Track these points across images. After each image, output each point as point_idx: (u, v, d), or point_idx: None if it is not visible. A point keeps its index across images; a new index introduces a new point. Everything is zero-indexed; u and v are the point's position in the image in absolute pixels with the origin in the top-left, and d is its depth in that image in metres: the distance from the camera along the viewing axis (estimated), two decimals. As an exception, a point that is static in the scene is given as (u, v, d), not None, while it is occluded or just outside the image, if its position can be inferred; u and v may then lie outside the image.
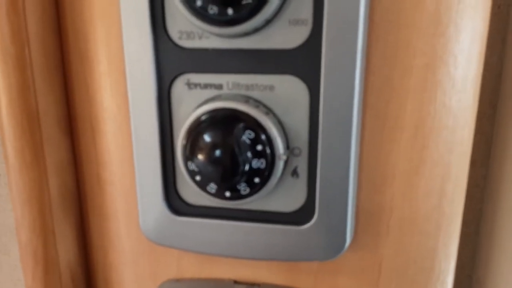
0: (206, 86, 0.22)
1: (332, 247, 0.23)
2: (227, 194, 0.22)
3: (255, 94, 0.22)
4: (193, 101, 0.23)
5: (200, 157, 0.21)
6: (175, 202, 0.25)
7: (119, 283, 0.29)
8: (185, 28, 0.22)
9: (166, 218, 0.25)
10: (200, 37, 0.22)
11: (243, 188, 0.22)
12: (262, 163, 0.21)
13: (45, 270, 0.27)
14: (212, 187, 0.22)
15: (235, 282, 0.27)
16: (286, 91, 0.22)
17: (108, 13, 0.24)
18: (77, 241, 0.29)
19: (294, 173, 0.23)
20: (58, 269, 0.28)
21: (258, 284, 0.26)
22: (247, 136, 0.21)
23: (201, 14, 0.20)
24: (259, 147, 0.21)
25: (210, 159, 0.21)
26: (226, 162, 0.21)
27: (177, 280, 0.28)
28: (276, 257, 0.24)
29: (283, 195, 0.23)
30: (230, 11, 0.19)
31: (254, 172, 0.21)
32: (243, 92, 0.22)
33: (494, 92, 0.34)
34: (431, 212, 0.23)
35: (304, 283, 0.26)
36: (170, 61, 0.22)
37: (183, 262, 0.27)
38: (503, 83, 0.33)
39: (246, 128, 0.21)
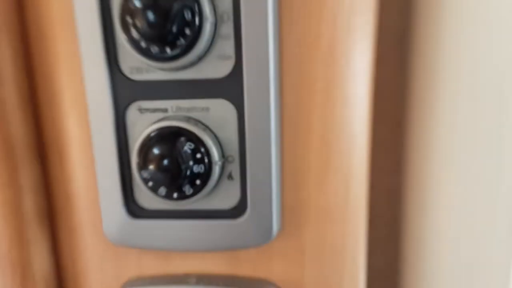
0: (155, 110, 0.28)
1: (262, 235, 0.29)
2: (175, 195, 0.27)
3: (195, 114, 0.28)
4: (144, 123, 0.28)
5: (151, 166, 0.27)
6: (133, 208, 0.29)
7: (88, 287, 0.33)
8: (135, 64, 0.27)
9: (126, 222, 0.29)
10: (147, 71, 0.27)
11: (187, 189, 0.27)
12: (201, 168, 0.27)
13: (22, 278, 0.31)
14: (162, 190, 0.27)
15: (187, 275, 0.31)
16: (219, 111, 0.27)
17: (71, 54, 0.29)
18: (50, 252, 0.33)
19: (230, 176, 0.28)
20: (33, 278, 0.32)
21: (207, 275, 0.31)
22: (188, 147, 0.26)
23: (145, 53, 0.25)
24: (198, 155, 0.27)
25: (159, 167, 0.26)
26: (172, 169, 0.26)
27: (138, 279, 0.32)
28: (219, 248, 0.29)
29: (222, 195, 0.29)
30: (168, 50, 0.25)
31: (195, 175, 0.27)
32: (185, 113, 0.28)
33: (398, 112, 0.41)
34: (340, 203, 0.29)
35: (245, 270, 0.31)
36: (124, 92, 0.28)
37: (142, 260, 0.32)
38: (406, 104, 0.40)
39: (187, 140, 0.26)
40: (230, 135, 0.28)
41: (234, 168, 0.28)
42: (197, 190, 0.27)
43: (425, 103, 0.35)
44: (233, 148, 0.28)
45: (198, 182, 0.27)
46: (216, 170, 0.27)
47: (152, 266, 0.32)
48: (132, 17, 0.25)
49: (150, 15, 0.24)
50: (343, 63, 0.27)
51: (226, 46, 0.26)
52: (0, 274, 0.31)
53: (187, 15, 0.24)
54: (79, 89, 0.29)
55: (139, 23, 0.24)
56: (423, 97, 0.35)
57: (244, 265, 0.31)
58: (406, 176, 0.39)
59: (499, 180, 0.33)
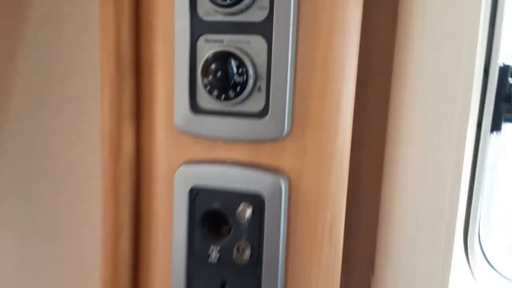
0: (215, 41, 0.43)
1: (278, 132, 0.43)
2: (223, 96, 0.42)
3: (241, 45, 0.42)
4: (208, 49, 0.43)
5: (210, 76, 0.42)
6: (194, 106, 0.45)
7: (158, 162, 0.49)
8: (206, 10, 0.43)
9: (190, 115, 0.45)
10: (213, 15, 0.42)
11: (231, 93, 0.42)
12: (241, 79, 0.42)
13: (116, 154, 0.47)
14: (215, 92, 0.42)
15: (223, 162, 0.46)
16: (256, 44, 0.42)
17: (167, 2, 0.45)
18: (135, 139, 0.49)
19: (259, 89, 0.43)
20: (123, 156, 0.48)
21: (238, 161, 0.46)
22: (234, 64, 0.41)
23: (214, 1, 0.41)
24: (240, 71, 0.41)
25: (215, 76, 0.42)
26: (223, 78, 0.41)
27: (192, 160, 0.47)
28: (249, 138, 0.44)
29: (253, 101, 0.43)
30: (229, 0, 0.40)
31: (237, 84, 0.42)
32: (235, 44, 0.43)
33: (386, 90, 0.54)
34: (333, 116, 0.43)
35: (264, 159, 0.45)
36: (197, 28, 0.43)
37: (196, 147, 0.47)
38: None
39: (234, 60, 0.41)
40: (262, 61, 0.42)
41: (262, 83, 0.43)
42: (237, 94, 0.42)
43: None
44: (263, 69, 0.42)
45: (238, 89, 0.42)
46: (250, 82, 0.42)
47: (202, 151, 0.47)
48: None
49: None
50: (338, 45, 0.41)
51: (264, 1, 0.41)
52: (101, 148, 0.47)
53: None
54: (169, 23, 0.45)
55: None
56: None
57: (263, 155, 0.45)
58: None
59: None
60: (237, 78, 0.42)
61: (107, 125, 0.47)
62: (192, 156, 0.47)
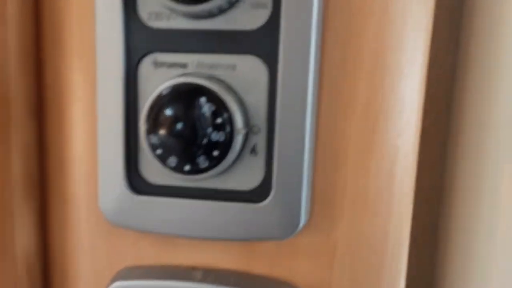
0: (172, 65, 0.24)
1: (287, 225, 0.24)
2: (187, 167, 0.23)
3: (218, 73, 0.23)
4: (159, 79, 0.24)
5: (162, 130, 0.22)
6: (136, 181, 0.25)
7: (76, 272, 0.29)
8: (155, 9, 0.23)
9: (126, 197, 0.25)
10: (168, 18, 0.23)
11: (202, 161, 0.23)
12: (221, 136, 0.22)
13: (1, 254, 0.27)
14: (172, 160, 0.23)
15: (193, 268, 0.27)
16: (247, 71, 0.23)
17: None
18: (36, 228, 0.29)
19: (253, 150, 0.24)
20: (14, 255, 0.27)
21: (216, 270, 0.26)
22: (208, 108, 0.22)
23: (167, -9, 0.21)
24: (219, 120, 0.22)
25: (171, 131, 0.22)
26: (187, 134, 0.22)
27: (134, 268, 0.27)
28: (233, 236, 0.25)
29: (242, 173, 0.24)
30: (195, -12, 0.21)
31: (213, 144, 0.22)
32: (207, 71, 0.23)
33: (449, 93, 0.36)
34: (381, 192, 0.25)
35: (260, 267, 0.26)
36: (139, 41, 0.24)
37: (141, 246, 0.27)
38: (456, 85, 0.35)
39: (207, 101, 0.22)
40: (258, 100, 0.23)
41: (259, 140, 0.24)
42: (213, 163, 0.23)
43: (478, 93, 0.31)
44: (260, 116, 0.23)
45: (215, 153, 0.23)
46: (238, 140, 0.23)
47: (152, 254, 0.27)
48: None
49: None
50: (399, 24, 0.23)
51: (263, -9, 0.22)
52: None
53: None
54: (89, 36, 0.25)
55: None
56: (477, 84, 0.31)
57: (261, 261, 0.26)
58: (451, 173, 0.34)
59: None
60: (213, 135, 0.22)
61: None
62: (134, 262, 0.27)
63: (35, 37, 0.27)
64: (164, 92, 0.23)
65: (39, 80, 0.27)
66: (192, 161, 0.23)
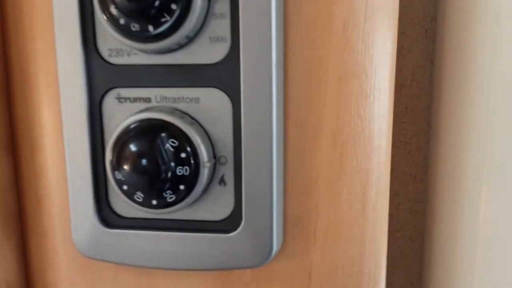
0: (135, 99, 0.24)
1: (260, 253, 0.24)
2: (154, 202, 0.23)
3: (182, 106, 0.23)
4: (123, 115, 0.24)
5: (126, 166, 0.22)
6: (106, 215, 0.25)
7: (58, 303, 0.29)
8: (114, 46, 0.23)
9: (98, 231, 0.25)
10: (128, 54, 0.23)
11: (169, 196, 0.23)
12: (186, 170, 0.22)
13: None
14: (139, 195, 0.23)
15: (172, 296, 0.27)
16: (210, 103, 0.23)
17: (47, 34, 0.25)
18: (17, 261, 0.29)
19: (222, 181, 0.24)
20: (-5, 289, 0.28)
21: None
22: (170, 144, 0.22)
23: (125, 31, 0.21)
24: (183, 155, 0.22)
25: (136, 168, 0.22)
26: (151, 170, 0.22)
27: (115, 297, 0.28)
28: (207, 267, 0.25)
29: (212, 204, 0.24)
30: (151, 28, 0.21)
31: (179, 179, 0.22)
32: (171, 104, 0.23)
33: (428, 109, 0.36)
34: (355, 218, 0.24)
35: (238, 294, 0.26)
36: (101, 77, 0.24)
37: (119, 277, 0.27)
38: (434, 101, 0.35)
39: (169, 136, 0.22)
40: (223, 131, 0.23)
41: (227, 171, 0.24)
42: (181, 196, 0.23)
43: (456, 100, 0.30)
44: (226, 147, 0.23)
45: (182, 187, 0.23)
46: (204, 173, 0.23)
47: (131, 284, 0.27)
48: (110, -12, 0.21)
49: (129, -15, 0.20)
50: (360, 50, 0.23)
51: (221, 26, 0.22)
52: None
53: (173, -15, 0.20)
54: (53, 74, 0.25)
55: (117, -5, 0.20)
56: (455, 93, 0.30)
57: (237, 288, 0.26)
58: (434, 182, 0.34)
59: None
60: (177, 170, 0.22)
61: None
62: (113, 292, 0.28)
63: (4, 75, 0.27)
64: (127, 128, 0.23)
65: (11, 117, 0.27)
66: (159, 196, 0.23)
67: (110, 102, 0.24)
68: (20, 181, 0.28)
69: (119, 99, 0.24)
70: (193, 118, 0.23)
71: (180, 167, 0.22)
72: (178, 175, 0.22)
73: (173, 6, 0.21)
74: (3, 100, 0.27)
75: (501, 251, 0.29)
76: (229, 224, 0.24)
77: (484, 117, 0.28)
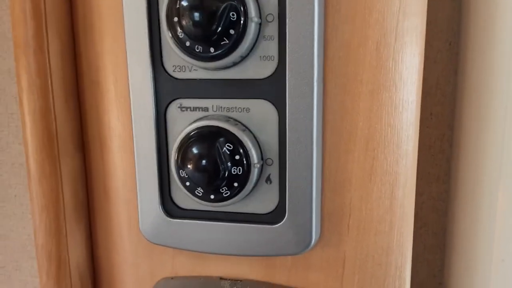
0: (195, 109, 0.28)
1: (301, 243, 0.28)
2: (212, 196, 0.27)
3: (235, 115, 0.27)
4: (184, 121, 0.28)
5: (189, 166, 0.26)
6: (169, 207, 0.29)
7: (121, 282, 0.33)
8: (178, 63, 0.27)
9: (162, 221, 0.29)
10: (190, 70, 0.27)
11: (224, 192, 0.26)
12: (239, 170, 0.26)
13: (57, 269, 0.32)
14: (199, 191, 0.27)
15: (221, 278, 0.31)
16: (259, 112, 0.27)
17: (116, 49, 0.29)
18: (86, 244, 0.33)
19: (268, 179, 0.28)
20: (69, 269, 0.32)
21: (240, 280, 0.31)
22: (227, 148, 0.26)
23: (189, 52, 0.25)
24: (237, 157, 0.26)
25: (197, 167, 0.26)
26: (210, 169, 0.26)
27: (171, 278, 0.32)
28: (254, 253, 0.29)
29: (259, 199, 0.28)
30: (212, 50, 0.25)
31: (233, 177, 0.26)
32: (225, 113, 0.27)
33: (451, 115, 0.39)
34: (384, 214, 0.28)
35: (279, 278, 0.30)
36: (166, 89, 0.28)
37: (177, 260, 0.31)
38: (457, 108, 0.38)
39: (226, 141, 0.26)
40: (270, 137, 0.27)
41: (273, 171, 0.27)
42: (234, 192, 0.27)
43: (477, 107, 0.33)
44: (272, 150, 0.27)
45: (235, 184, 0.26)
46: (254, 172, 0.27)
47: (186, 266, 0.31)
48: (179, 16, 0.25)
49: (196, 15, 0.24)
50: (390, 67, 0.26)
51: (270, 47, 0.26)
52: (38, 265, 0.31)
53: (233, 15, 0.24)
54: (123, 85, 0.29)
55: (185, 22, 0.24)
56: (475, 101, 0.33)
57: (280, 273, 0.30)
58: (456, 183, 0.37)
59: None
60: (232, 169, 0.26)
61: (40, 234, 0.31)
62: (171, 274, 0.32)
63: (76, 82, 0.31)
64: (190, 134, 0.27)
65: (83, 121, 0.32)
66: (216, 191, 0.27)
67: (173, 111, 0.28)
68: (90, 175, 0.32)
69: (181, 108, 0.28)
70: (244, 125, 0.27)
71: (235, 167, 0.26)
72: (233, 174, 0.26)
73: (231, 31, 0.24)
74: (75, 106, 0.32)
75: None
76: (274, 217, 0.28)
77: (502, 123, 0.31)
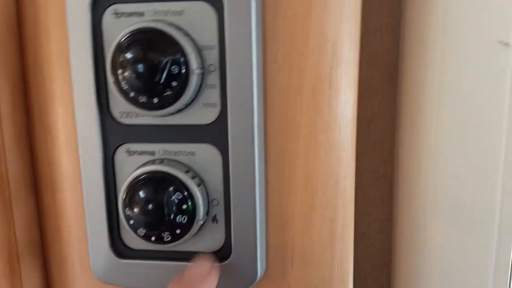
0: (142, 153, 0.29)
1: (246, 279, 0.29)
2: (152, 238, 0.28)
3: (181, 158, 0.28)
4: (132, 165, 0.29)
5: (134, 207, 0.27)
6: (119, 247, 0.30)
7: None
8: (124, 109, 0.28)
9: (112, 261, 0.30)
10: (136, 116, 0.28)
11: (166, 236, 0.27)
12: (186, 212, 0.27)
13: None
14: (141, 231, 0.28)
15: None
16: (204, 156, 0.28)
17: (65, 97, 0.30)
18: (41, 285, 0.34)
19: (214, 219, 0.29)
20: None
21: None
22: (176, 197, 0.27)
23: (133, 102, 0.26)
24: (182, 198, 0.27)
25: (142, 210, 0.27)
26: (154, 214, 0.27)
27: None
28: (204, 290, 0.30)
29: (207, 238, 0.29)
30: (155, 100, 0.26)
31: (177, 223, 0.27)
32: (171, 157, 0.28)
33: (392, 141, 0.42)
34: (325, 247, 0.30)
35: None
36: (113, 135, 0.28)
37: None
38: (396, 135, 0.40)
39: (172, 187, 0.27)
40: (215, 179, 0.28)
41: (219, 211, 0.29)
42: (176, 238, 0.28)
43: (413, 135, 0.36)
44: (218, 191, 0.28)
45: (178, 231, 0.27)
46: (199, 213, 0.28)
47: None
48: (122, 68, 0.25)
49: (139, 68, 0.25)
50: (326, 111, 0.28)
51: (212, 94, 0.27)
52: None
53: (174, 68, 0.25)
54: (72, 129, 0.30)
55: (128, 74, 0.25)
56: (412, 129, 0.36)
57: (229, 305, 0.31)
58: (398, 205, 0.39)
59: (492, 212, 0.33)
60: (177, 213, 0.27)
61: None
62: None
63: (27, 127, 0.31)
64: (137, 178, 0.28)
65: (34, 164, 0.32)
66: (160, 234, 0.28)
67: (121, 154, 0.29)
68: (43, 216, 0.33)
69: (129, 152, 0.29)
70: (190, 168, 0.28)
71: (179, 211, 0.27)
72: (177, 218, 0.27)
73: (174, 83, 0.26)
74: (27, 150, 0.32)
75: (449, 260, 0.34)
76: (221, 255, 0.29)
77: (432, 153, 0.34)
